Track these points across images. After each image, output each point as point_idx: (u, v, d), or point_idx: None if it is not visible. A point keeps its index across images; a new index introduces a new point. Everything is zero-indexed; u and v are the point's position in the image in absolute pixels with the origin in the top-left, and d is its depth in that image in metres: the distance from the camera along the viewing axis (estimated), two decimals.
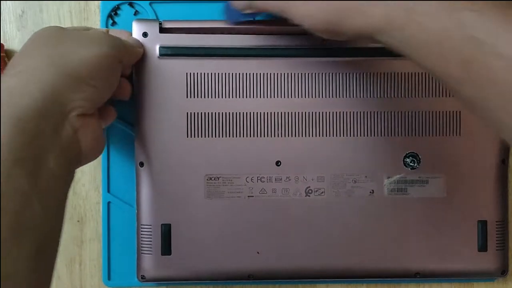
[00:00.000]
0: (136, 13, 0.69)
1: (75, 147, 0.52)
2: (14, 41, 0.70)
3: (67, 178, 0.51)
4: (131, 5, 0.69)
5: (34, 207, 0.45)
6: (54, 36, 0.55)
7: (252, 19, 0.63)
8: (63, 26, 0.58)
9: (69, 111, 0.51)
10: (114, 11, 0.69)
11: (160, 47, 0.63)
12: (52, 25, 0.59)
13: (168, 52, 0.63)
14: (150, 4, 0.68)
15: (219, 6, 0.67)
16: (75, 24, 0.70)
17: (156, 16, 0.68)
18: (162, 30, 0.64)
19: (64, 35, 0.55)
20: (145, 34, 0.63)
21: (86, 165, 0.67)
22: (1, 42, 0.69)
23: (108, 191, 0.69)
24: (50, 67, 0.51)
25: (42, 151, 0.47)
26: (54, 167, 0.48)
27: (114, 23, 0.69)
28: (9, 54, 0.70)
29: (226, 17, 0.63)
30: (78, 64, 0.52)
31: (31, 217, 0.45)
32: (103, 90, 0.56)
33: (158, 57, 0.63)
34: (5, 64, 0.68)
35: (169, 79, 0.63)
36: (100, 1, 0.69)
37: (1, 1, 0.70)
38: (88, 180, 0.70)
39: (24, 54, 0.53)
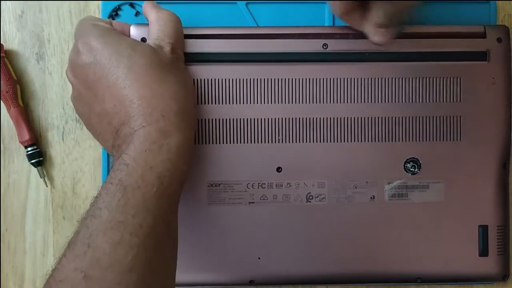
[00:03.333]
0: (137, 14, 0.68)
1: None
2: (14, 41, 0.70)
3: None
4: (132, 5, 0.68)
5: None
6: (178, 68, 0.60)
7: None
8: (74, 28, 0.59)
9: None
10: (115, 12, 0.68)
11: None
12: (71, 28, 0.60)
13: None
14: None
15: (221, 8, 0.67)
16: (74, 25, 0.69)
17: None
18: None
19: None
20: (143, 40, 0.63)
21: (86, 165, 0.68)
22: (1, 42, 0.69)
23: None
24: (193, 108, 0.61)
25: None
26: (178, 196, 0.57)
27: None
28: (9, 54, 0.69)
29: None
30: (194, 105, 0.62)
31: None
32: None
33: None
34: (5, 64, 0.68)
35: None
36: (100, 2, 0.68)
37: (1, 1, 0.69)
38: (88, 180, 0.70)
39: (165, 81, 0.57)
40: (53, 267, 0.48)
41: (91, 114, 0.59)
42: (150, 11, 0.61)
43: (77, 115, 0.63)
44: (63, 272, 0.47)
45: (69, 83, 0.68)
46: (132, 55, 0.56)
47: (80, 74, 0.58)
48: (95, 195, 0.52)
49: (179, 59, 0.61)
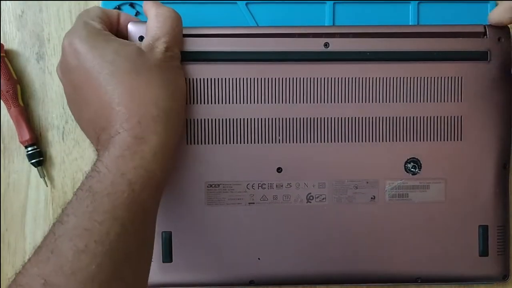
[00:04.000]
0: (137, 13, 0.68)
1: None
2: (14, 41, 0.70)
3: None
4: (132, 5, 0.68)
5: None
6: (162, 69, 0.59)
7: None
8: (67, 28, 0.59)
9: None
10: None
11: None
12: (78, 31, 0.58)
13: None
14: None
15: (221, 8, 0.67)
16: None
17: None
18: None
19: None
20: (141, 38, 0.62)
21: (86, 165, 0.68)
22: (1, 42, 0.69)
23: None
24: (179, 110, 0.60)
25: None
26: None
27: None
28: (9, 54, 0.69)
29: None
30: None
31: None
32: None
33: None
34: (5, 64, 0.68)
35: None
36: (100, 1, 0.68)
37: (1, 1, 0.69)
38: None
39: (148, 84, 0.56)
40: (17, 271, 0.48)
41: (81, 116, 0.59)
42: (150, 9, 0.60)
43: None
44: (24, 277, 0.46)
45: None
46: (115, 60, 0.55)
47: (67, 75, 0.58)
48: (67, 201, 0.51)
49: (173, 57, 0.60)
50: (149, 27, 0.60)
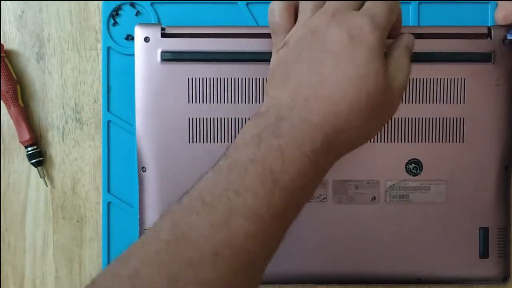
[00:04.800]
0: (137, 13, 0.68)
1: None
2: (14, 41, 0.70)
3: None
4: (132, 5, 0.68)
5: None
6: None
7: None
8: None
9: None
10: (116, 11, 0.68)
11: (162, 52, 0.63)
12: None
13: (170, 57, 0.62)
14: (151, 4, 0.67)
15: (221, 8, 0.67)
16: (74, 24, 0.69)
17: (158, 17, 0.67)
18: (164, 35, 0.63)
19: None
20: (146, 39, 0.62)
21: (86, 165, 0.68)
22: (1, 42, 0.69)
23: (108, 191, 0.68)
24: None
25: None
26: None
27: (115, 24, 0.68)
28: (9, 54, 0.69)
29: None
30: None
31: None
32: None
33: (160, 62, 0.63)
34: (5, 64, 0.67)
35: (171, 84, 0.63)
36: (101, 1, 0.68)
37: (1, 1, 0.69)
38: (88, 180, 0.70)
39: None
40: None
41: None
42: None
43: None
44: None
45: (69, 83, 0.68)
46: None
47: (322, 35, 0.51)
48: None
49: None
50: None
